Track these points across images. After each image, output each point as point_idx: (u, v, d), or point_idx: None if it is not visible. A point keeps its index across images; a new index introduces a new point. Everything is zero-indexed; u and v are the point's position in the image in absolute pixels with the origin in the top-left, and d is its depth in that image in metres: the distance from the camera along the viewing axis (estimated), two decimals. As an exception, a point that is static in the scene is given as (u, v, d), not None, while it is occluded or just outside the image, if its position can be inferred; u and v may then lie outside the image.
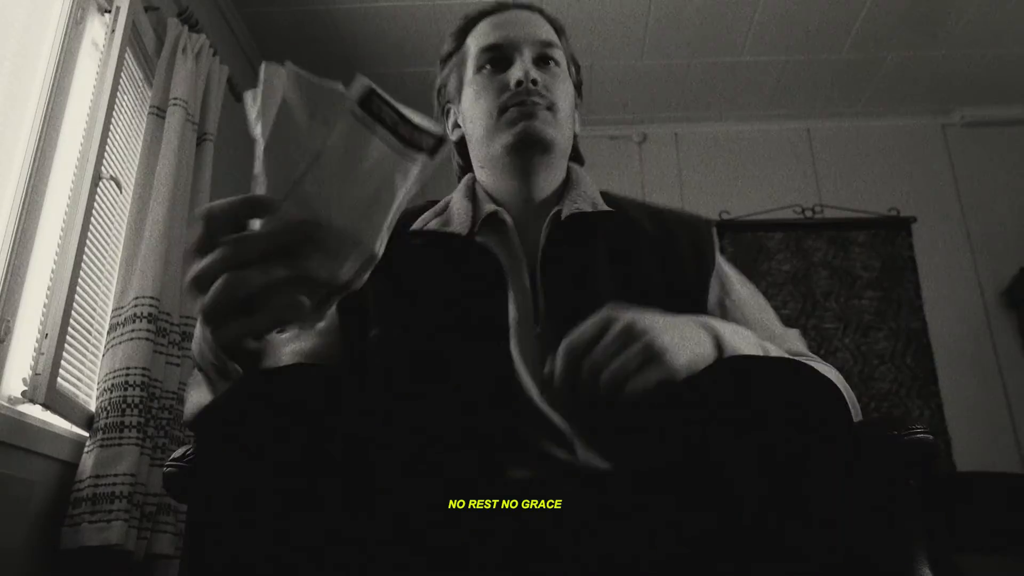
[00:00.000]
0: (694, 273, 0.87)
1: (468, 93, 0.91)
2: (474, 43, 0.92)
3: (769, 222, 3.11)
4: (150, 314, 1.70)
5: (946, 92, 3.11)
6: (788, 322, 3.17)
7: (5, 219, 1.49)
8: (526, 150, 0.86)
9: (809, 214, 3.12)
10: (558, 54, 0.91)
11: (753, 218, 3.12)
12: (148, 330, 1.69)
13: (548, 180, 0.91)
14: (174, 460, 0.86)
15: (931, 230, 3.07)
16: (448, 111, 0.97)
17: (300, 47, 2.81)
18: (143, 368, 1.65)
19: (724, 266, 0.92)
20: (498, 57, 0.89)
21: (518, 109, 0.85)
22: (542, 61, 0.90)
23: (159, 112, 1.94)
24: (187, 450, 0.86)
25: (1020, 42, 2.81)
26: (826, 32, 2.76)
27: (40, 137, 1.56)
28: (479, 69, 0.90)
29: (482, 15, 0.94)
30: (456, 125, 0.96)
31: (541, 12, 0.96)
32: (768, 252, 3.08)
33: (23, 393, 1.46)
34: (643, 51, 2.87)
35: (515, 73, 0.86)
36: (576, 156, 1.02)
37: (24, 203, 1.51)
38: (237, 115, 3.03)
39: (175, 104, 1.94)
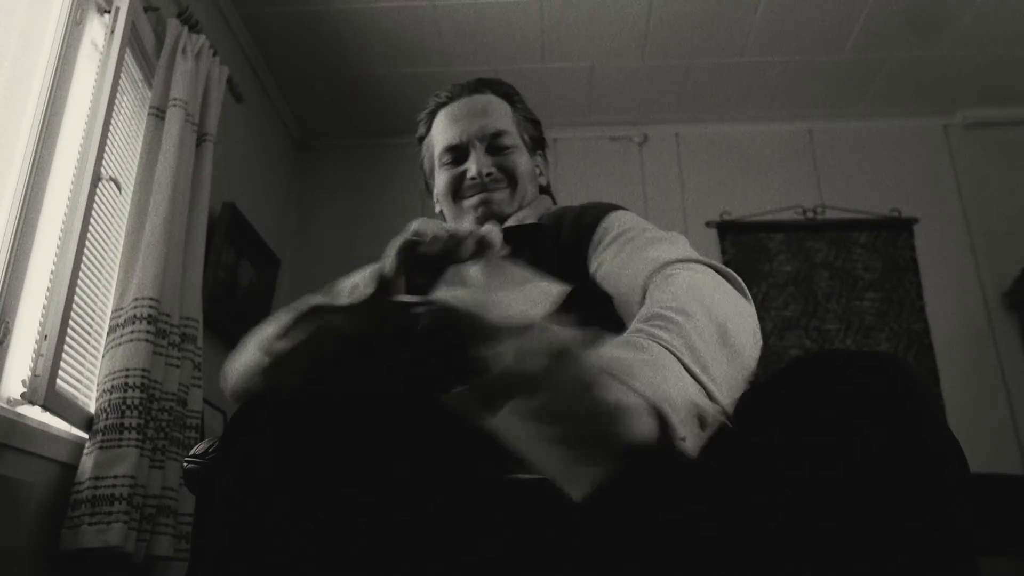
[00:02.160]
0: (572, 246, 0.92)
1: (436, 182, 1.09)
2: (437, 138, 1.09)
3: (770, 223, 3.11)
4: (150, 315, 1.70)
5: (948, 93, 3.10)
6: (789, 323, 3.13)
7: (4, 220, 1.49)
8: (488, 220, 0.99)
9: (810, 215, 3.11)
10: (509, 139, 1.06)
11: (754, 219, 3.12)
12: (148, 331, 1.69)
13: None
14: (195, 456, 0.89)
15: (933, 231, 3.07)
16: (429, 186, 1.15)
17: (300, 47, 2.81)
18: (143, 370, 1.65)
19: (606, 223, 0.92)
20: (456, 156, 1.06)
21: (477, 196, 1.02)
22: (495, 149, 1.05)
23: (159, 113, 1.93)
24: (209, 445, 0.88)
25: (1022, 43, 2.81)
26: (828, 32, 2.76)
27: (39, 138, 1.56)
28: (442, 165, 1.07)
29: (441, 104, 1.10)
30: (439, 212, 1.12)
31: (490, 87, 1.11)
32: (769, 253, 3.08)
33: (23, 395, 1.46)
34: (644, 51, 2.86)
35: (471, 168, 1.03)
36: (549, 195, 1.16)
37: (23, 204, 1.50)
38: (237, 115, 3.03)
39: (175, 105, 1.93)
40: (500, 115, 1.07)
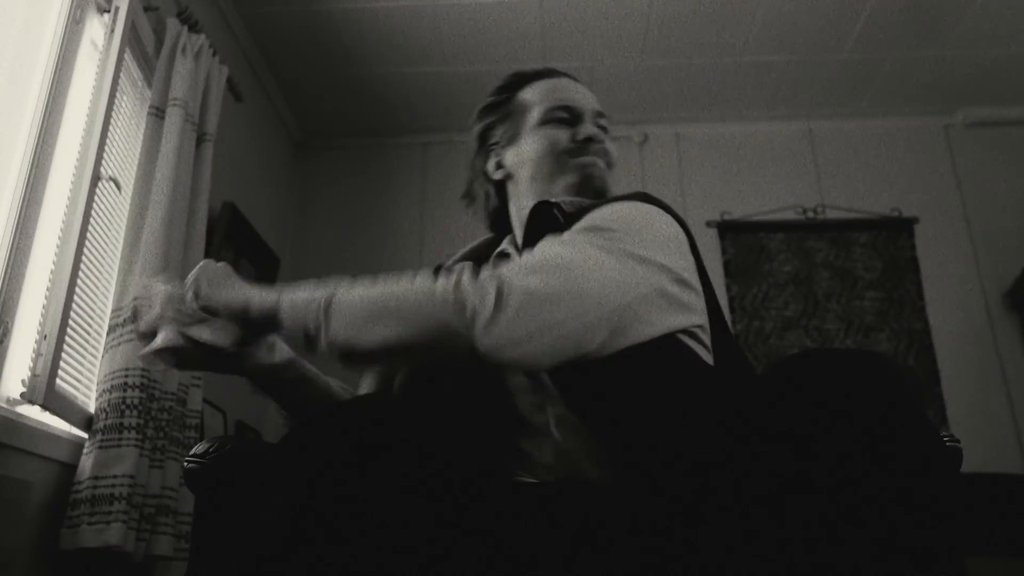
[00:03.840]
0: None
1: (531, 139, 1.02)
2: (537, 100, 1.04)
3: (771, 223, 3.11)
4: (149, 315, 1.70)
5: (948, 92, 3.10)
6: (789, 323, 3.14)
7: (4, 220, 1.48)
8: (585, 192, 0.97)
9: (811, 215, 3.11)
10: (606, 123, 1.05)
11: (754, 219, 3.12)
12: (147, 331, 1.68)
13: None
14: (196, 456, 0.90)
15: (933, 231, 3.06)
16: (489, 154, 1.07)
17: (300, 47, 2.80)
18: (142, 369, 1.65)
19: (586, 217, 0.88)
20: (564, 117, 1.02)
21: (585, 157, 0.99)
22: (600, 128, 1.03)
23: (158, 112, 1.93)
24: (209, 446, 0.90)
25: (1022, 42, 2.80)
26: (828, 32, 2.75)
27: (39, 137, 1.56)
28: (546, 122, 1.02)
29: (535, 76, 1.07)
30: (499, 166, 1.06)
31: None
32: (769, 253, 3.07)
33: (22, 394, 1.46)
34: (644, 51, 2.86)
35: (585, 130, 1.00)
36: None
37: (23, 204, 1.50)
38: (236, 115, 3.03)
39: (174, 104, 1.93)
40: (600, 105, 1.07)
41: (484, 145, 1.08)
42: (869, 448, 0.56)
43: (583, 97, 1.04)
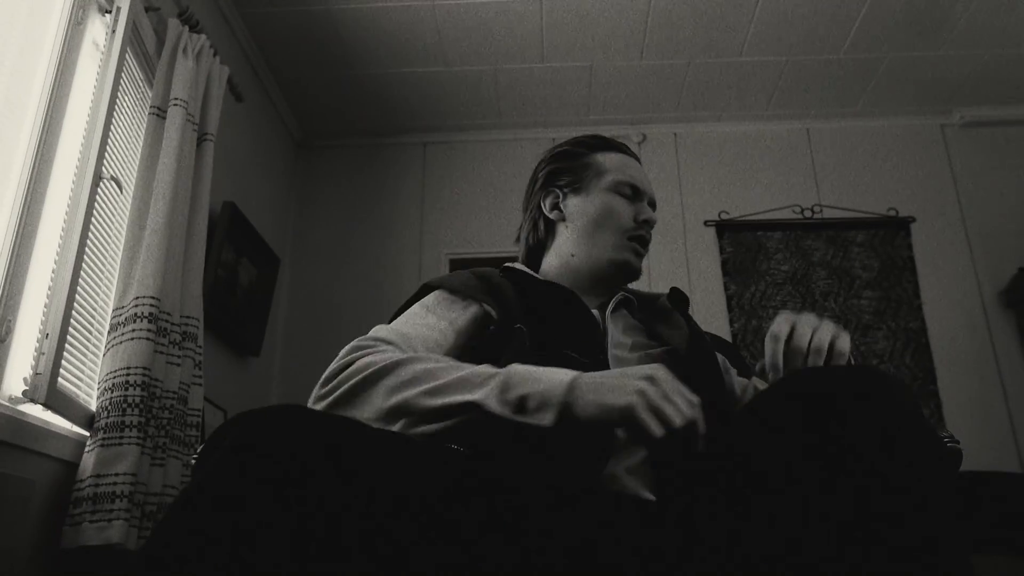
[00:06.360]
0: None
1: (597, 198, 1.12)
2: (611, 167, 1.14)
3: (768, 222, 3.12)
4: (151, 314, 1.71)
5: (945, 92, 3.11)
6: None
7: (6, 219, 1.49)
8: (620, 272, 1.10)
9: (808, 214, 3.12)
10: (655, 213, 1.16)
11: (752, 218, 3.13)
12: (149, 330, 1.69)
13: (605, 295, 1.11)
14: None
15: (930, 230, 3.08)
16: (550, 193, 1.17)
17: (300, 47, 2.81)
18: (144, 368, 1.65)
19: None
20: (628, 193, 1.12)
21: (638, 243, 1.11)
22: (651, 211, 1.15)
23: (159, 112, 1.94)
24: None
25: (1018, 42, 2.82)
26: (825, 32, 2.77)
27: (41, 137, 1.56)
28: (619, 194, 1.12)
29: (611, 147, 1.18)
30: (555, 207, 1.16)
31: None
32: (767, 252, 3.09)
33: (24, 393, 1.47)
34: (643, 51, 2.87)
35: (646, 212, 1.12)
36: None
37: (25, 203, 1.51)
38: (237, 115, 3.04)
39: (175, 104, 1.94)
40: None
41: (548, 184, 1.17)
42: (877, 453, 0.58)
43: (647, 183, 1.15)
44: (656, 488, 0.83)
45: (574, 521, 0.72)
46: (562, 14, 2.67)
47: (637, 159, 1.19)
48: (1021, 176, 3.12)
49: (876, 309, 2.97)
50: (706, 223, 3.14)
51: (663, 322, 1.08)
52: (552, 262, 1.14)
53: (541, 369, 0.74)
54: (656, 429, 0.67)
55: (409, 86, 3.04)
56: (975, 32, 2.75)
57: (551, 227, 1.16)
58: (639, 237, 1.10)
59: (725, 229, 3.12)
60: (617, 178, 1.12)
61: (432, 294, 1.02)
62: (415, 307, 0.99)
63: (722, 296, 3.02)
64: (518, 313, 0.95)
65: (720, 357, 1.10)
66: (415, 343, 0.91)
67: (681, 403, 0.69)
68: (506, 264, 1.15)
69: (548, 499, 0.72)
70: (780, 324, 0.85)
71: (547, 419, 0.70)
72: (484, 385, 0.73)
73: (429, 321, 0.96)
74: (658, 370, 0.71)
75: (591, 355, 0.92)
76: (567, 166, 1.16)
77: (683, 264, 3.08)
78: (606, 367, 0.91)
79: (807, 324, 0.86)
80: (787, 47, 2.85)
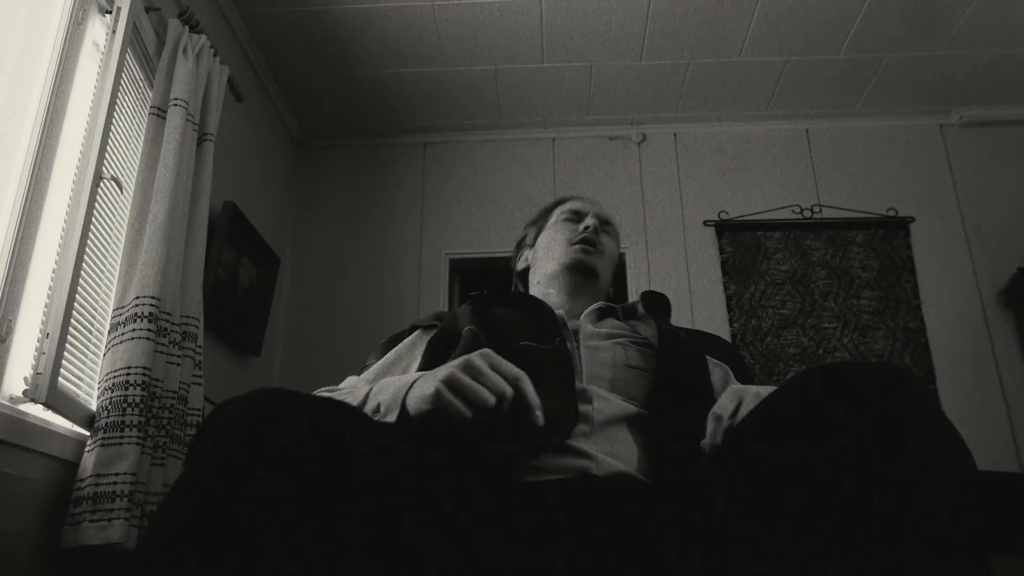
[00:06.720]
0: None
1: (547, 233, 1.33)
2: (558, 211, 1.36)
3: (768, 222, 3.12)
4: (151, 314, 1.71)
5: (944, 92, 3.12)
6: (786, 321, 3.15)
7: (6, 219, 1.49)
8: (576, 271, 1.23)
9: (808, 214, 3.13)
10: (611, 229, 1.33)
11: (752, 218, 3.13)
12: (149, 330, 1.70)
13: (584, 302, 1.21)
14: None
15: (929, 230, 3.08)
16: (521, 252, 1.40)
17: (300, 47, 2.81)
18: (144, 367, 1.66)
19: None
20: (574, 217, 1.31)
21: (581, 246, 1.24)
22: (602, 226, 1.30)
23: (160, 112, 1.94)
24: None
25: (1018, 42, 2.82)
26: (824, 33, 2.77)
27: (41, 137, 1.57)
28: (562, 220, 1.32)
29: (568, 200, 1.39)
30: (523, 259, 1.38)
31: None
32: (767, 252, 3.09)
33: (24, 392, 1.47)
34: (642, 51, 2.87)
35: (586, 220, 1.29)
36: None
37: (25, 203, 1.51)
38: (237, 115, 3.04)
39: (175, 104, 1.94)
40: (610, 218, 1.35)
41: (519, 246, 1.41)
42: (901, 447, 0.58)
43: (591, 206, 1.34)
44: (655, 475, 0.85)
45: (560, 507, 0.78)
46: (562, 14, 2.68)
47: (593, 202, 1.38)
48: (1020, 176, 3.13)
49: (875, 309, 2.97)
50: (705, 223, 3.15)
51: (644, 323, 1.20)
52: (532, 292, 1.33)
53: (403, 377, 0.85)
54: (463, 409, 0.72)
55: (409, 86, 3.04)
56: (974, 32, 2.75)
57: (525, 275, 1.37)
58: (584, 239, 1.25)
59: (725, 229, 3.13)
60: (561, 211, 1.34)
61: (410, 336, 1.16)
62: (390, 353, 1.14)
63: (722, 296, 3.02)
64: (471, 321, 1.06)
65: (713, 361, 1.14)
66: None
67: (497, 381, 0.73)
68: (472, 293, 1.29)
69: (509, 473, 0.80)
70: (724, 403, 0.82)
71: (391, 418, 0.78)
72: (362, 399, 0.86)
73: (389, 359, 1.12)
74: (478, 356, 0.77)
75: (548, 342, 1.01)
76: (531, 228, 1.39)
77: (683, 264, 3.08)
78: (565, 352, 0.99)
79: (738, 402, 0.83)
80: (787, 47, 2.85)
